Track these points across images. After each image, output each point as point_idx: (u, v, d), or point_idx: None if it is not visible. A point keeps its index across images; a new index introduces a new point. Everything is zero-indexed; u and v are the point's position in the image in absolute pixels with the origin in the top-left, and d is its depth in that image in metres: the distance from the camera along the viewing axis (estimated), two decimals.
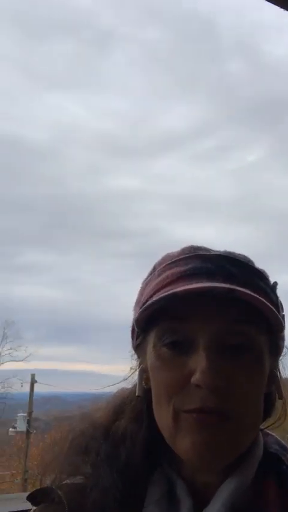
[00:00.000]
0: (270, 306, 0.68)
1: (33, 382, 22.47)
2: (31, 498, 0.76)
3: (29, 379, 22.86)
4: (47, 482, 0.78)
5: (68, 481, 0.77)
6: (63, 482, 0.76)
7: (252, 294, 0.67)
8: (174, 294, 0.67)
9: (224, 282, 0.69)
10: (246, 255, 0.77)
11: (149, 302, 0.70)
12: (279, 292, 0.77)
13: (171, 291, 0.68)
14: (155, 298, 0.70)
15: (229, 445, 0.68)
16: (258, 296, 0.68)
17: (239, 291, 0.67)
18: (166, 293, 0.68)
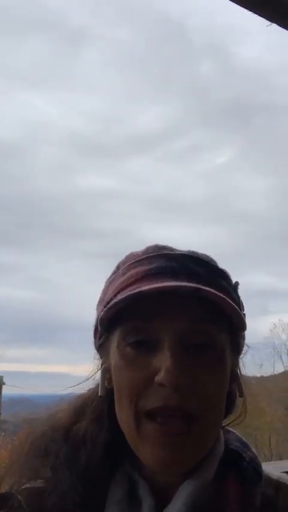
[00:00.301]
0: (234, 305, 0.69)
1: (0, 384, 22.14)
2: None
3: None
4: (6, 487, 0.76)
5: (28, 485, 0.75)
6: (23, 487, 0.75)
7: (217, 293, 0.68)
8: (140, 293, 0.67)
9: (188, 281, 0.69)
10: (209, 254, 0.77)
11: (114, 301, 0.69)
12: (244, 292, 0.78)
13: (136, 290, 0.68)
14: (119, 297, 0.69)
15: (194, 450, 0.68)
16: (222, 295, 0.68)
17: (205, 290, 0.67)
18: (131, 292, 0.68)
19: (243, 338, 0.77)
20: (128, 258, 0.77)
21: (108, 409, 0.75)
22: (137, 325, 0.69)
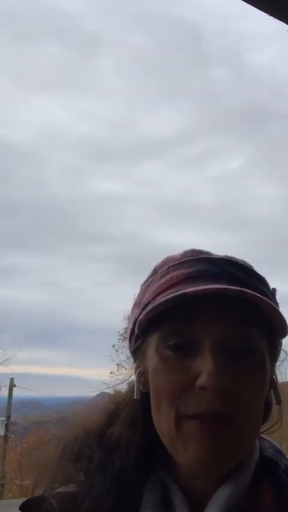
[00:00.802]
0: (278, 310, 0.68)
1: (12, 386, 22.22)
2: (24, 508, 0.74)
3: (7, 383, 22.59)
4: (39, 491, 0.76)
5: (60, 490, 0.74)
6: (56, 491, 0.74)
7: (261, 296, 0.67)
8: (184, 295, 0.66)
9: (229, 284, 0.68)
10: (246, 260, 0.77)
11: (157, 303, 0.68)
12: None
13: (180, 292, 0.67)
14: (160, 299, 0.69)
15: (232, 453, 0.67)
16: (266, 299, 0.67)
17: (249, 293, 0.66)
18: (174, 294, 0.67)
19: (281, 345, 0.76)
20: (165, 261, 0.77)
21: (143, 413, 0.74)
22: (177, 328, 0.69)
